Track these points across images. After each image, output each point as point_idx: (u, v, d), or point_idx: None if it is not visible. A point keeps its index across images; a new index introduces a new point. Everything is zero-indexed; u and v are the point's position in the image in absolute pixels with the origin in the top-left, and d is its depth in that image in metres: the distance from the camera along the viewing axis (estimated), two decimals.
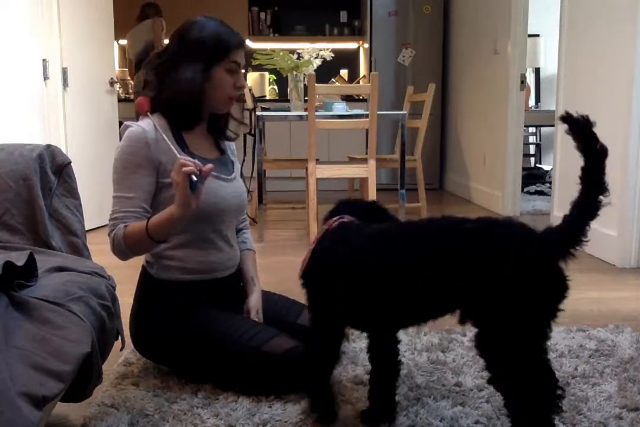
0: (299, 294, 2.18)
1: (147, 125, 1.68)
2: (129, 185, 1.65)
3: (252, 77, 6.62)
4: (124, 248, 1.62)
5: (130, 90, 6.39)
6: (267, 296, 1.95)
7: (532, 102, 6.43)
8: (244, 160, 4.11)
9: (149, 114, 1.72)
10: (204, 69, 1.70)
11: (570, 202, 1.20)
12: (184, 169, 1.46)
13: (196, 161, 1.50)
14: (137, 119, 1.78)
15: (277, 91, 6.87)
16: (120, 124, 4.71)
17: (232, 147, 1.95)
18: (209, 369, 1.72)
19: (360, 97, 6.26)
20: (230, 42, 1.73)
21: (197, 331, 1.71)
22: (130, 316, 1.82)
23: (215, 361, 1.69)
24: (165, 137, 1.65)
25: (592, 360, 1.92)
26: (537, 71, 6.50)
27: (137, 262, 1.81)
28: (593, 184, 1.17)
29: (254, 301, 1.86)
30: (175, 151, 1.63)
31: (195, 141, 1.79)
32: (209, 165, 1.51)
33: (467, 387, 1.72)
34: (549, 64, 6.23)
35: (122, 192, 1.66)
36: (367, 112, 3.80)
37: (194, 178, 1.48)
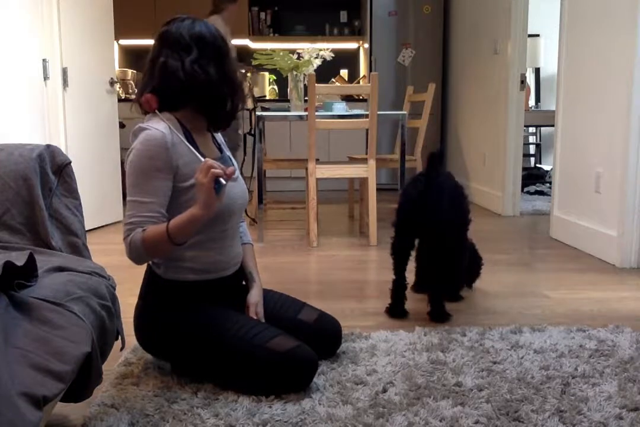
0: (298, 295, 2.19)
1: (164, 128, 1.68)
2: (147, 190, 1.64)
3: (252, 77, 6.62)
4: (141, 252, 1.61)
5: (130, 91, 6.39)
6: (268, 293, 1.97)
7: (532, 102, 6.43)
8: (244, 160, 4.12)
9: (157, 112, 1.72)
10: (232, 67, 1.77)
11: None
12: (213, 171, 1.48)
13: (221, 164, 1.51)
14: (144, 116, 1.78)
15: (277, 91, 6.87)
16: (121, 124, 4.71)
17: (222, 140, 1.97)
18: (212, 365, 1.72)
19: (360, 97, 6.26)
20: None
21: (203, 328, 1.72)
22: (135, 314, 1.82)
23: (219, 357, 1.70)
24: (184, 141, 1.66)
25: (592, 360, 1.92)
26: (537, 71, 6.50)
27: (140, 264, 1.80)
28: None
29: (254, 297, 1.87)
30: (198, 155, 1.64)
31: (203, 142, 1.81)
32: (231, 168, 1.53)
33: (467, 387, 1.72)
34: (549, 64, 6.24)
35: (139, 197, 1.64)
36: (367, 112, 3.81)
37: (223, 182, 1.49)
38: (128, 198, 1.67)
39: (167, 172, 1.66)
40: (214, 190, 1.49)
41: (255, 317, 1.82)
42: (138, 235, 1.60)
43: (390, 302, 2.39)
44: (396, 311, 2.38)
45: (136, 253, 1.62)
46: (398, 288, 2.37)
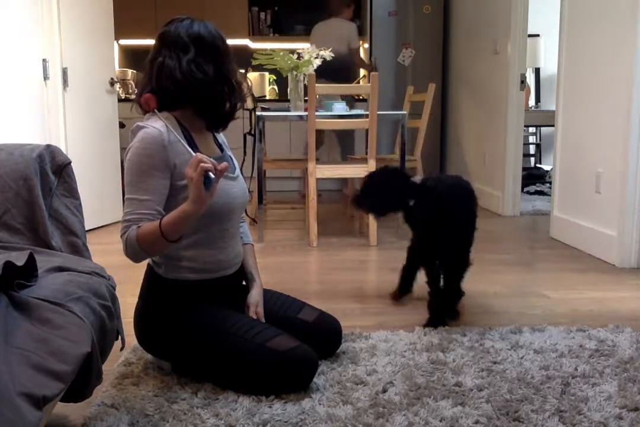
0: (298, 295, 2.19)
1: (161, 126, 1.68)
2: (144, 187, 1.65)
3: (252, 77, 6.62)
4: (137, 249, 1.61)
5: (130, 91, 6.39)
6: (267, 293, 1.97)
7: (532, 102, 6.42)
8: (243, 160, 4.11)
9: (156, 111, 1.73)
10: (233, 67, 1.79)
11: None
12: (202, 165, 1.47)
13: (212, 159, 1.51)
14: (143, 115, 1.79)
15: (277, 91, 6.87)
16: (121, 124, 4.71)
17: (224, 139, 1.97)
18: (212, 365, 1.72)
19: (360, 97, 6.26)
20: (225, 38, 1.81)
21: (203, 328, 1.72)
22: (135, 314, 1.83)
23: (219, 356, 1.70)
24: (181, 140, 1.66)
25: (592, 360, 1.92)
26: (537, 71, 6.50)
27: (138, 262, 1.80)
28: None
29: (254, 297, 1.87)
30: (190, 150, 1.64)
31: (203, 141, 1.81)
32: (224, 164, 1.52)
33: (467, 387, 1.72)
34: (549, 64, 6.23)
35: (136, 194, 1.65)
36: (367, 112, 3.81)
37: (212, 175, 1.48)
38: (126, 196, 1.68)
39: (165, 171, 1.66)
40: (203, 184, 1.48)
41: (255, 317, 1.82)
42: (133, 232, 1.61)
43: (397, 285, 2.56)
44: (403, 289, 2.55)
45: (132, 250, 1.63)
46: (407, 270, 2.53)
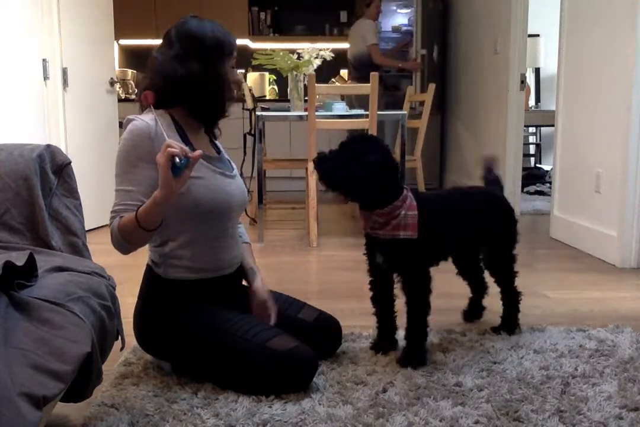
0: (298, 295, 2.19)
1: (150, 120, 1.69)
2: (130, 178, 1.66)
3: (252, 77, 6.63)
4: (120, 240, 1.63)
5: (130, 91, 6.39)
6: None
7: (532, 102, 6.43)
8: (243, 160, 4.11)
9: (152, 107, 1.73)
10: (224, 67, 1.78)
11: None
12: (168, 149, 1.47)
13: (183, 146, 1.51)
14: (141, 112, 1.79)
15: (277, 91, 6.87)
16: (121, 124, 4.71)
17: (220, 145, 1.97)
18: (212, 365, 1.72)
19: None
20: (231, 39, 1.79)
21: (202, 328, 1.72)
22: (135, 314, 1.83)
23: (218, 357, 1.70)
24: (164, 131, 1.66)
25: (592, 360, 1.92)
26: (537, 71, 6.50)
27: (138, 262, 1.81)
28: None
29: (262, 290, 1.87)
30: (165, 136, 1.63)
31: (199, 141, 1.81)
32: (198, 151, 1.52)
33: (467, 387, 1.72)
34: (549, 64, 6.23)
35: (123, 186, 1.67)
36: (367, 112, 3.80)
37: (177, 160, 1.47)
38: (115, 188, 1.69)
39: (151, 162, 1.65)
40: (170, 169, 1.48)
41: (269, 313, 1.84)
42: (116, 222, 1.63)
43: None
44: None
45: (116, 240, 1.64)
46: None
